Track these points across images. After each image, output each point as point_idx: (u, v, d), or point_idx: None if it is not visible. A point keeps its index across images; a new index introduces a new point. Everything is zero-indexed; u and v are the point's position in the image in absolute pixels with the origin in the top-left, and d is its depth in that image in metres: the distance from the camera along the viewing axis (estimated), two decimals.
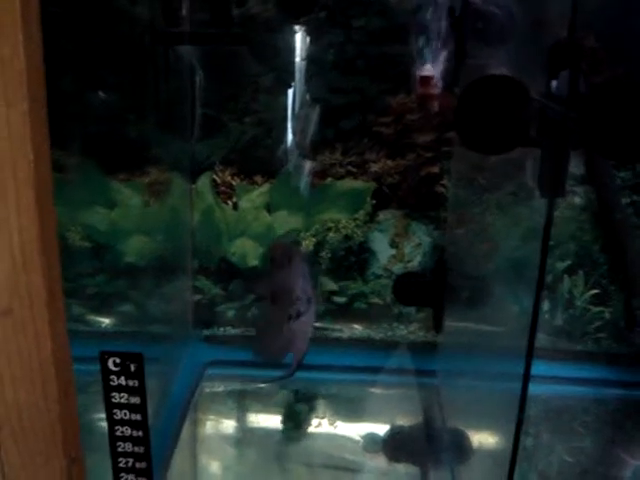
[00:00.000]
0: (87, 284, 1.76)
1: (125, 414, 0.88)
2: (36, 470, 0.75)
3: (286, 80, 1.80)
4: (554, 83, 0.90)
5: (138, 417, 0.87)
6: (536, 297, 0.91)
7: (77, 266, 1.73)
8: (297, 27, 1.74)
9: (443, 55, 1.48)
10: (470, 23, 1.41)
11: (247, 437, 1.71)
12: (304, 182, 1.88)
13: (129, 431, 0.89)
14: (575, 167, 1.76)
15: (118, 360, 0.85)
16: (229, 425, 1.73)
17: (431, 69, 1.46)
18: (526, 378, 0.95)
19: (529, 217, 1.46)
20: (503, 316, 1.41)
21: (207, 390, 1.79)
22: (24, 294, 0.69)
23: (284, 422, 1.72)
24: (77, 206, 1.70)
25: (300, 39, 1.75)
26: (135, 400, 0.87)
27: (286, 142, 1.83)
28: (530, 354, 0.93)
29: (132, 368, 0.85)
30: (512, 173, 1.33)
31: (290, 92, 1.81)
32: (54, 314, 0.71)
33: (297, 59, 1.77)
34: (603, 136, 0.86)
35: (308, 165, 1.86)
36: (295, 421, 1.73)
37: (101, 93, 1.73)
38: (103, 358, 0.84)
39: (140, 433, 0.88)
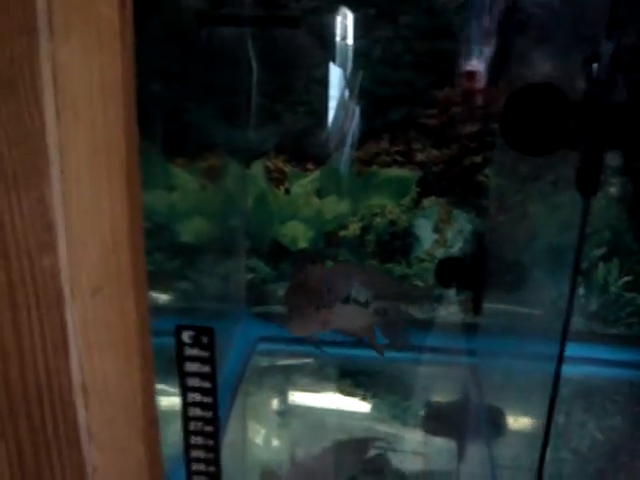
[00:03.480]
0: (146, 262, 1.75)
1: (196, 382, 0.96)
2: (118, 430, 0.80)
3: (333, 71, 1.86)
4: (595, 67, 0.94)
5: (208, 384, 0.95)
6: (571, 291, 0.95)
7: None
8: (344, 20, 1.78)
9: (488, 51, 1.51)
10: (515, 20, 1.44)
11: (293, 410, 1.76)
12: (345, 171, 1.96)
13: (199, 397, 0.97)
14: (612, 159, 1.78)
15: (192, 333, 0.92)
16: (277, 398, 1.79)
17: (476, 64, 1.50)
18: (560, 359, 0.99)
19: (568, 206, 1.48)
20: (540, 300, 1.46)
21: (258, 364, 1.85)
22: (113, 273, 0.73)
23: (328, 396, 1.78)
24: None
25: (347, 33, 1.81)
26: (206, 369, 0.94)
27: (329, 132, 1.91)
28: (564, 337, 0.97)
29: (204, 340, 0.93)
30: (552, 164, 1.36)
31: (337, 83, 1.87)
32: (139, 291, 0.76)
33: (345, 52, 1.84)
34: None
35: (346, 155, 1.93)
36: (339, 395, 1.79)
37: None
38: (178, 331, 0.92)
39: (210, 399, 0.96)
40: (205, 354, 0.94)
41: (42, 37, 0.63)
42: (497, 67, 1.56)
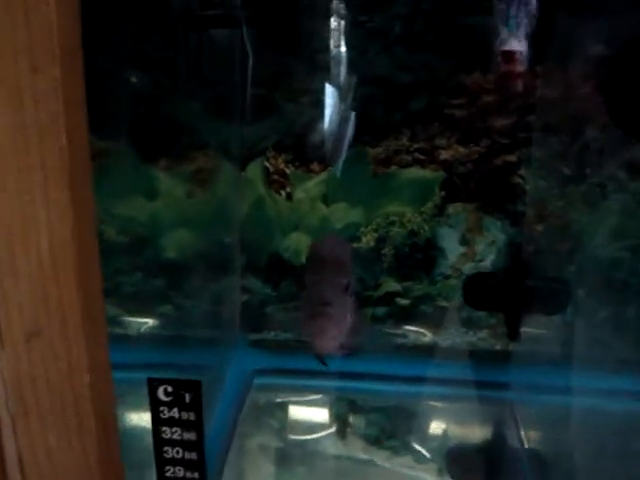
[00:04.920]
0: (123, 282, 1.72)
1: (177, 452, 0.76)
2: None
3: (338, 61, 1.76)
4: None
5: (194, 456, 0.75)
6: None
7: (112, 263, 1.69)
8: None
9: (527, 27, 1.38)
10: None
11: (297, 455, 1.64)
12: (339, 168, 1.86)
13: (182, 472, 0.76)
14: None
15: (170, 389, 0.72)
16: (280, 441, 1.67)
17: (516, 43, 1.36)
18: None
19: (618, 212, 1.37)
20: (588, 323, 1.39)
21: (256, 402, 1.74)
22: (55, 312, 0.60)
23: (339, 436, 1.66)
24: (113, 196, 1.66)
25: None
26: (190, 436, 0.74)
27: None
28: None
29: (187, 398, 0.73)
30: (599, 162, 1.33)
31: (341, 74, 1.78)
32: (92, 336, 0.62)
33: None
34: None
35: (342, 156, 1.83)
36: (350, 435, 1.66)
37: (133, 78, 1.72)
38: (152, 386, 0.71)
39: (195, 475, 0.75)
40: (188, 416, 0.73)
41: None
42: (539, 47, 1.42)
